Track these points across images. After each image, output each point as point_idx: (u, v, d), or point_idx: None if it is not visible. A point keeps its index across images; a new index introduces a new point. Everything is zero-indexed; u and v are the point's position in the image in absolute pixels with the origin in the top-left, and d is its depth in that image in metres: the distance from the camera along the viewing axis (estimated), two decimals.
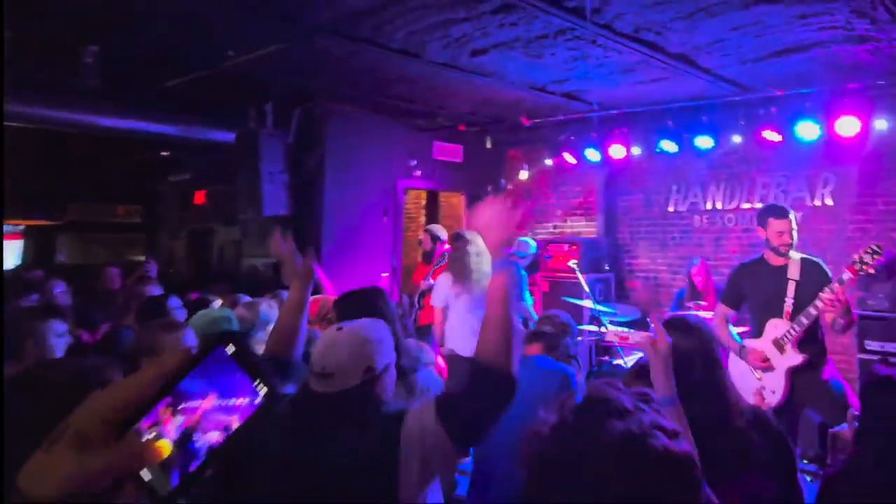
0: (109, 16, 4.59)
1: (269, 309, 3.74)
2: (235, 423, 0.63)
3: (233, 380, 0.65)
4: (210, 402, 0.64)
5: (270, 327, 3.66)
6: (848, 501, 2.25)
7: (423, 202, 10.74)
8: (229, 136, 6.61)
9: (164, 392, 0.62)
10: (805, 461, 3.84)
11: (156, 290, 4.88)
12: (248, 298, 4.20)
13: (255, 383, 0.65)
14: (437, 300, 5.23)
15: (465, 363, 2.43)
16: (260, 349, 2.90)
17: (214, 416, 0.63)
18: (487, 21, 4.56)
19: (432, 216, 10.29)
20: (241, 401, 0.64)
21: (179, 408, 0.62)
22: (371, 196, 7.66)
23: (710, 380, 2.21)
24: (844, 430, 3.47)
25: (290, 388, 2.05)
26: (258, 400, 0.64)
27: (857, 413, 2.66)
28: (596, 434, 0.93)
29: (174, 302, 4.01)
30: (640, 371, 2.46)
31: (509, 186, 9.59)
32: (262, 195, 6.14)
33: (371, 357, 1.87)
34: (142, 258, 5.80)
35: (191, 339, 2.97)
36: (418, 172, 8.20)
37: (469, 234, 5.02)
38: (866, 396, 2.46)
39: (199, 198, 9.79)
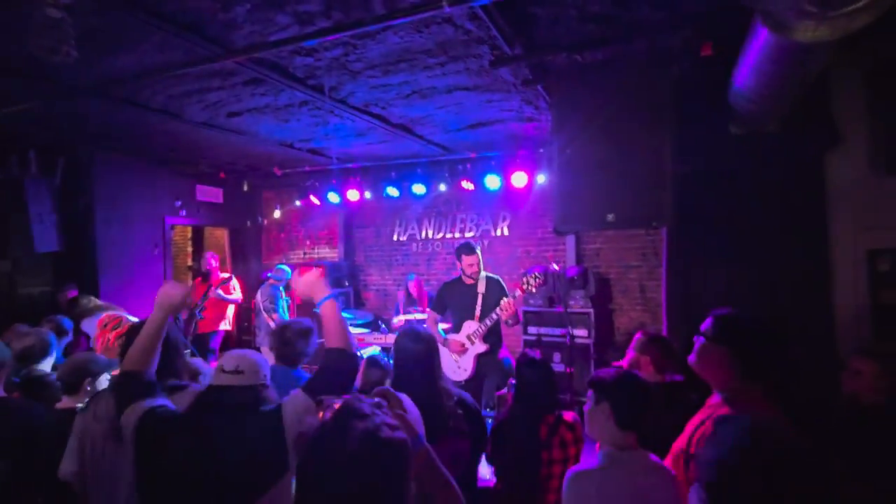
0: None
1: (54, 336, 3.34)
2: None
3: None
4: None
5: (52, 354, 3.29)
6: (507, 437, 2.66)
7: (190, 235, 10.17)
8: None
9: None
10: (488, 409, 4.39)
11: None
12: (24, 327, 3.62)
13: None
14: None
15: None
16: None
17: None
18: (241, 90, 4.39)
19: (199, 246, 9.81)
20: None
21: None
22: (141, 232, 7.02)
23: (428, 374, 2.44)
24: (506, 392, 4.14)
25: (152, 402, 1.92)
26: None
27: (514, 381, 2.96)
28: (347, 429, 1.16)
29: None
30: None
31: (265, 222, 9.45)
32: (33, 234, 5.44)
33: (265, 370, 1.97)
34: None
35: None
36: (183, 212, 7.67)
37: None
38: (518, 369, 2.79)
39: None
